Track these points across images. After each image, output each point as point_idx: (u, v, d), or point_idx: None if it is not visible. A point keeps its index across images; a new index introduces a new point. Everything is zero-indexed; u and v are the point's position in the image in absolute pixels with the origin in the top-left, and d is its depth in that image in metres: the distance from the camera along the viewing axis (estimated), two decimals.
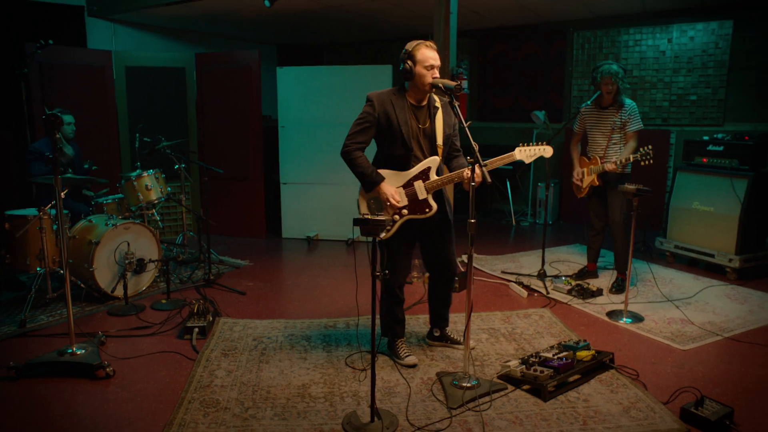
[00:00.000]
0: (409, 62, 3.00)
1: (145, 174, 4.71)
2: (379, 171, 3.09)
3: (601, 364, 3.17)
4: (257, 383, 3.07)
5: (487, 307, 4.31)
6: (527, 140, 3.48)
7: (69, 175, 4.27)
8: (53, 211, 4.22)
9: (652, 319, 4.00)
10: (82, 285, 4.34)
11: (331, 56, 9.88)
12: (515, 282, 4.80)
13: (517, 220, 7.62)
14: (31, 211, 4.33)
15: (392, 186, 3.08)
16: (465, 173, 2.96)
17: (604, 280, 4.91)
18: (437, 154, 3.10)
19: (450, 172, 3.19)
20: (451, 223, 3.28)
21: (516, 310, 4.23)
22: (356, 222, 2.40)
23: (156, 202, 4.74)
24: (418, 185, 3.07)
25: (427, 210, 3.08)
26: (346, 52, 9.69)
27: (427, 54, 2.98)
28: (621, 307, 4.11)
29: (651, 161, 4.14)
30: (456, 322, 3.90)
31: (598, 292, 4.50)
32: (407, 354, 3.32)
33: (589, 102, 4.58)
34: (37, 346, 3.60)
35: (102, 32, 6.68)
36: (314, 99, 6.30)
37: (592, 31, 7.41)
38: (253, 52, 6.38)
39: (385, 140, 3.10)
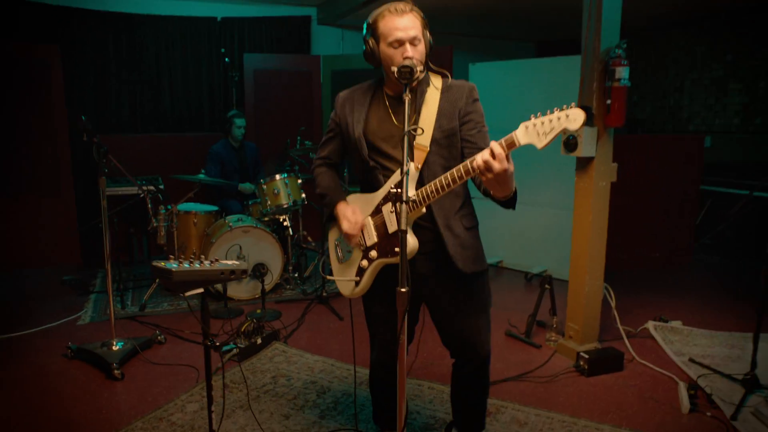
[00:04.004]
0: (370, 41, 2.03)
1: (277, 177, 4.66)
2: (352, 195, 2.22)
3: None
4: None
5: (601, 414, 2.81)
6: None
7: (201, 176, 4.53)
8: (184, 207, 4.54)
9: None
10: None
11: None
12: (688, 383, 3.02)
13: None
14: (197, 207, 4.78)
15: (357, 212, 2.11)
16: (469, 164, 1.75)
17: None
18: (416, 160, 1.99)
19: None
20: (475, 275, 2.11)
21: None
22: (153, 271, 1.71)
23: (285, 207, 4.65)
24: (387, 211, 2.03)
25: (398, 249, 1.91)
26: None
27: (392, 23, 1.94)
28: None
29: None
30: (526, 424, 2.64)
31: None
32: None
33: None
34: (133, 328, 3.92)
35: (329, 38, 7.01)
36: (506, 99, 5.28)
37: None
38: (446, 49, 5.72)
39: (352, 153, 2.19)
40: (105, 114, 6.04)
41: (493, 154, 1.67)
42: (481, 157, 1.69)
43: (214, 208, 4.88)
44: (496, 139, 1.72)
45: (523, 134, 1.69)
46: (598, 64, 3.08)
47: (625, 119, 3.11)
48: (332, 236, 2.29)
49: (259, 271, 4.38)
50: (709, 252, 6.10)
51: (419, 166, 1.98)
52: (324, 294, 4.47)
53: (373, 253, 2.06)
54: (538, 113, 1.67)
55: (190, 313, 4.30)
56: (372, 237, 2.06)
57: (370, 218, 2.08)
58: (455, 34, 7.67)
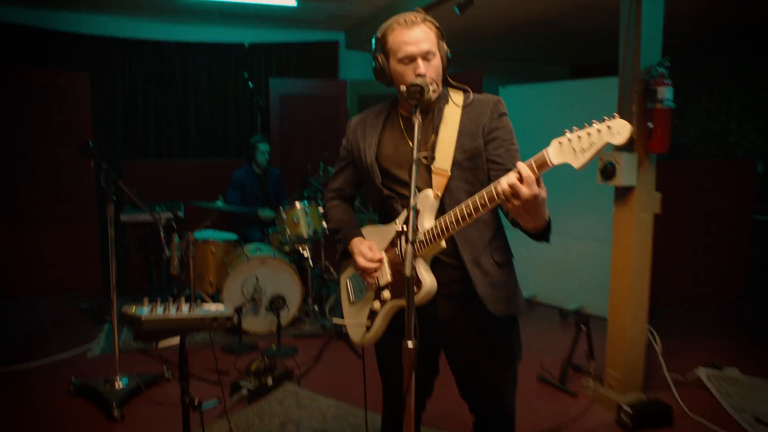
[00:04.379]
0: (380, 57, 1.81)
1: (297, 206, 4.47)
2: (367, 228, 1.99)
3: None
4: None
5: None
6: None
7: (219, 204, 4.38)
8: (202, 235, 4.39)
9: None
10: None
11: None
12: None
13: None
14: (215, 234, 4.64)
15: (375, 248, 1.85)
16: (493, 190, 1.50)
17: None
18: (435, 187, 1.73)
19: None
20: (506, 321, 1.82)
21: None
22: (122, 317, 1.51)
23: (305, 237, 4.45)
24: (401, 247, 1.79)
25: (415, 290, 1.68)
26: None
27: (402, 37, 1.72)
28: None
29: None
30: None
31: None
32: None
33: None
34: (142, 362, 3.75)
35: (357, 63, 6.88)
36: (539, 124, 5.00)
37: None
38: (476, 71, 5.50)
39: (365, 182, 1.95)
40: (132, 140, 6.03)
41: (520, 177, 1.41)
42: (506, 181, 1.43)
43: (234, 236, 4.72)
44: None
45: (556, 152, 1.42)
46: (638, 84, 2.80)
47: (669, 144, 2.81)
48: (344, 275, 2.05)
49: (275, 304, 4.18)
50: (766, 288, 5.61)
51: (439, 194, 1.72)
52: (344, 330, 4.21)
53: (386, 294, 1.81)
54: (574, 128, 1.41)
55: (207, 346, 4.12)
56: (386, 275, 1.81)
57: (384, 254, 1.84)
58: (485, 58, 7.47)
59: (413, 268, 1.36)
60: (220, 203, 4.42)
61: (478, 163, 1.76)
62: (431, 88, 1.66)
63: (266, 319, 4.33)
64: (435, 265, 1.73)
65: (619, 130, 1.32)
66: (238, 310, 4.05)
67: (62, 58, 5.62)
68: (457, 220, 1.59)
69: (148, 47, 5.94)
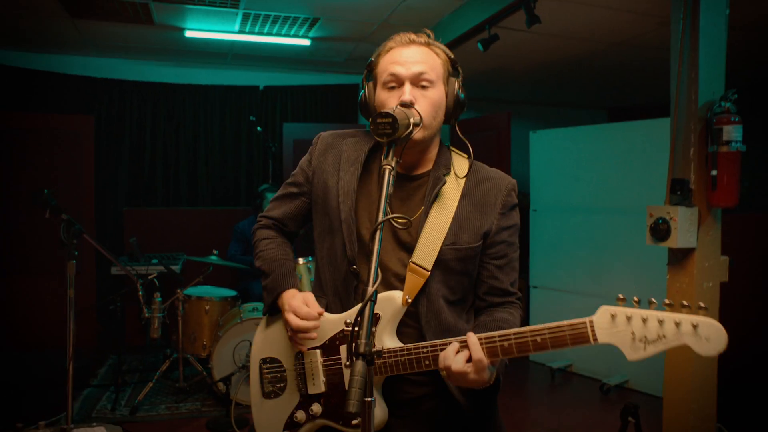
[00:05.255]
0: (368, 85, 1.37)
1: (300, 261, 4.01)
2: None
3: None
4: None
5: None
6: None
7: (213, 258, 3.96)
8: (196, 291, 3.96)
9: None
10: (207, 380, 3.89)
11: None
12: None
13: None
14: (212, 291, 4.21)
15: (312, 302, 1.33)
16: (446, 353, 1.14)
17: None
18: (408, 289, 1.25)
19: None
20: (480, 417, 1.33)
21: None
22: None
23: None
24: (345, 354, 1.30)
25: (357, 422, 1.20)
26: None
27: (393, 56, 1.29)
28: None
29: None
30: None
31: None
32: None
33: None
34: None
35: None
36: (572, 172, 4.49)
37: None
38: (503, 115, 5.05)
39: (319, 230, 1.43)
40: (138, 186, 5.72)
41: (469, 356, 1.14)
42: (453, 366, 1.13)
43: (232, 292, 4.27)
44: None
45: (606, 328, 1.04)
46: (697, 124, 2.28)
47: (738, 196, 2.26)
48: (258, 349, 1.47)
49: None
50: None
51: (409, 300, 1.25)
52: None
53: (316, 408, 1.31)
54: (634, 300, 1.05)
55: (193, 420, 3.62)
56: (319, 383, 1.31)
57: (320, 355, 1.33)
58: (514, 103, 7.03)
59: (362, 400, 0.86)
60: (214, 258, 3.99)
61: (468, 267, 1.31)
62: (412, 120, 1.19)
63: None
64: (392, 377, 1.25)
65: (709, 335, 0.96)
66: (226, 380, 3.55)
67: (69, 101, 5.41)
68: (395, 365, 1.21)
69: (157, 89, 5.70)
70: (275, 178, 5.69)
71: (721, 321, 2.30)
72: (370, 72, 1.37)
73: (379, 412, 1.21)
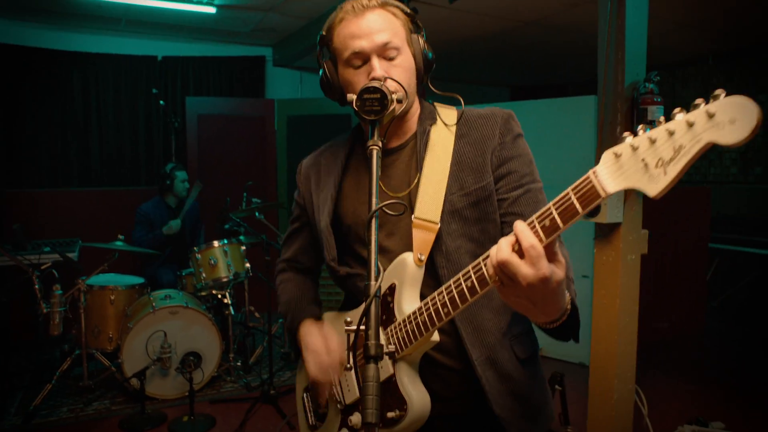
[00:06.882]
0: (327, 62, 1.25)
1: (215, 245, 3.79)
2: (329, 314, 1.39)
3: None
4: None
5: None
6: None
7: (119, 244, 3.62)
8: (98, 280, 3.62)
9: None
10: (117, 376, 3.58)
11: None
12: None
13: None
14: (116, 279, 3.86)
15: (333, 341, 1.24)
16: (484, 267, 0.94)
17: None
18: (418, 248, 1.15)
19: None
20: None
21: None
22: None
23: (225, 281, 3.76)
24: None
25: (395, 415, 1.09)
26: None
27: (349, 28, 1.17)
28: None
29: None
30: None
31: None
32: None
33: None
34: None
35: (286, 81, 6.27)
36: None
37: None
38: None
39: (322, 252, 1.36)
40: (18, 163, 5.09)
41: (519, 249, 0.84)
42: (496, 256, 0.86)
43: (139, 280, 3.94)
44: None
45: (612, 172, 0.80)
46: (623, 103, 2.37)
47: None
48: (301, 383, 1.42)
49: (187, 365, 3.43)
50: (719, 317, 5.40)
51: (422, 258, 1.13)
52: (272, 391, 3.53)
53: (356, 419, 1.18)
54: (640, 128, 0.79)
55: (102, 421, 3.32)
56: (354, 389, 1.20)
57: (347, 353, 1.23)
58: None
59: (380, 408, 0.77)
60: (120, 243, 3.65)
61: (487, 211, 1.19)
62: (394, 96, 1.09)
63: (177, 381, 3.57)
64: (427, 369, 1.15)
65: (733, 116, 0.69)
66: (140, 374, 3.28)
67: None
68: (417, 328, 1.05)
69: (38, 56, 5.07)
70: (178, 154, 5.31)
71: (641, 292, 2.43)
72: (325, 48, 1.24)
73: (417, 396, 1.08)
